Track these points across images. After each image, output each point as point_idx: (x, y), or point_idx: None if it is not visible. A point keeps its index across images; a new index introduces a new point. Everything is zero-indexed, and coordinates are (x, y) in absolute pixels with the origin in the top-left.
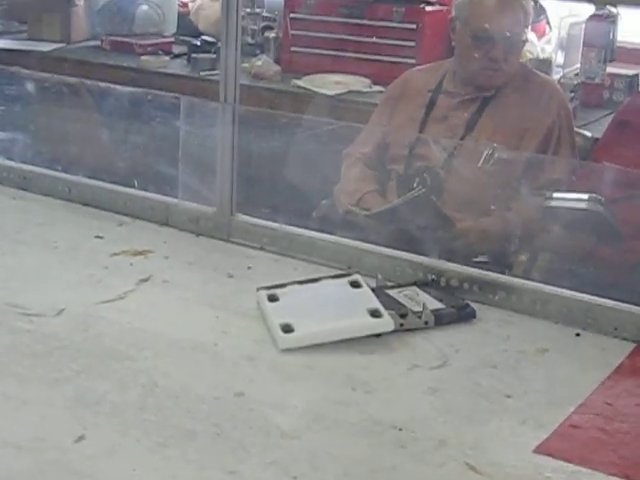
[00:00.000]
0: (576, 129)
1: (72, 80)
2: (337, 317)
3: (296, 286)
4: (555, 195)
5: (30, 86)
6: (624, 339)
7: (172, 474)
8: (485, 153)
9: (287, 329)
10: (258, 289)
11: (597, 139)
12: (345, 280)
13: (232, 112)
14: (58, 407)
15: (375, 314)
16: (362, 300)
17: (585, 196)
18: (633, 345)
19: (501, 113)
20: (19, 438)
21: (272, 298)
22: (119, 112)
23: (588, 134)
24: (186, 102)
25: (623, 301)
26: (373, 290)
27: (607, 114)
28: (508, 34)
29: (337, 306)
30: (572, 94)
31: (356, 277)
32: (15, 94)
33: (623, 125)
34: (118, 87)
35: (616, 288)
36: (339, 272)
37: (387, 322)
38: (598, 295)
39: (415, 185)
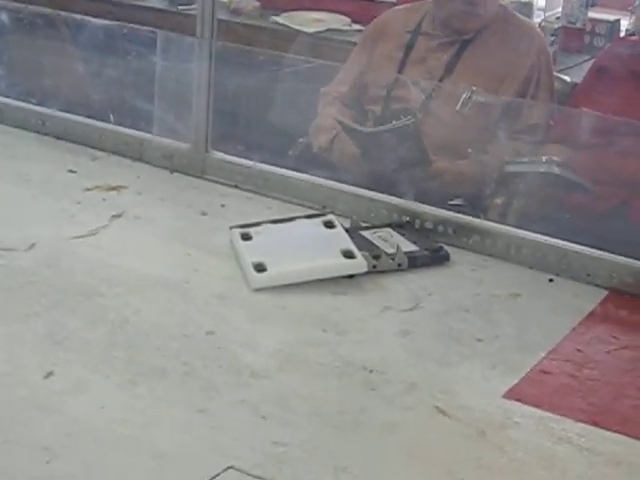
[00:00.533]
0: (556, 74)
1: (47, 11)
2: (310, 257)
3: (270, 225)
4: (513, 160)
5: (4, 17)
6: (597, 286)
7: (141, 411)
8: (463, 96)
9: (260, 268)
10: (231, 227)
11: (576, 84)
12: (319, 220)
13: (209, 48)
14: (27, 343)
15: (348, 255)
16: (336, 240)
17: (542, 159)
18: (605, 292)
19: (480, 56)
20: None
21: (245, 237)
22: (95, 45)
23: (567, 79)
24: (163, 37)
25: (597, 247)
26: (347, 230)
27: (587, 59)
28: None
29: (310, 246)
30: (552, 38)
31: (330, 217)
32: None
33: (602, 71)
34: (94, 20)
35: (590, 234)
36: (313, 212)
37: (360, 263)
38: (572, 241)
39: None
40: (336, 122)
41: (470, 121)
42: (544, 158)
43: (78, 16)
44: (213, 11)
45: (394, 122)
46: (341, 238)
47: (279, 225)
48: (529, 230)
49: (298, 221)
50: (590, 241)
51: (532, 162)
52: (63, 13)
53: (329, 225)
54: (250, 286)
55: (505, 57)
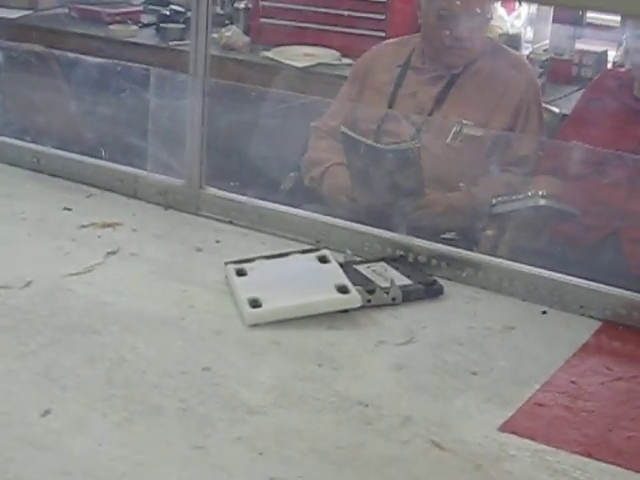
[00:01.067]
0: (544, 105)
1: (40, 49)
2: (305, 292)
3: (264, 261)
4: (498, 201)
5: None
6: (590, 317)
7: (138, 449)
8: (453, 129)
9: (255, 304)
10: (226, 263)
11: (565, 115)
12: (313, 255)
13: (202, 85)
14: (24, 381)
15: (343, 290)
16: (330, 276)
17: (528, 194)
18: (599, 323)
19: (469, 89)
20: None
21: (240, 272)
22: (88, 82)
23: (556, 110)
24: (155, 74)
25: (589, 279)
26: (341, 265)
27: (575, 90)
28: (472, 13)
29: (305, 281)
30: (541, 70)
31: (324, 252)
32: None
33: (592, 102)
34: (87, 57)
35: (582, 265)
36: (308, 247)
37: (354, 298)
38: (564, 273)
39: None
40: (328, 155)
41: (460, 154)
42: (529, 192)
43: (71, 54)
44: (206, 48)
45: (399, 143)
46: (335, 273)
47: (274, 260)
48: (521, 262)
49: (292, 256)
50: (582, 272)
51: (518, 199)
52: (56, 51)
53: (323, 260)
54: (245, 322)
55: (494, 89)
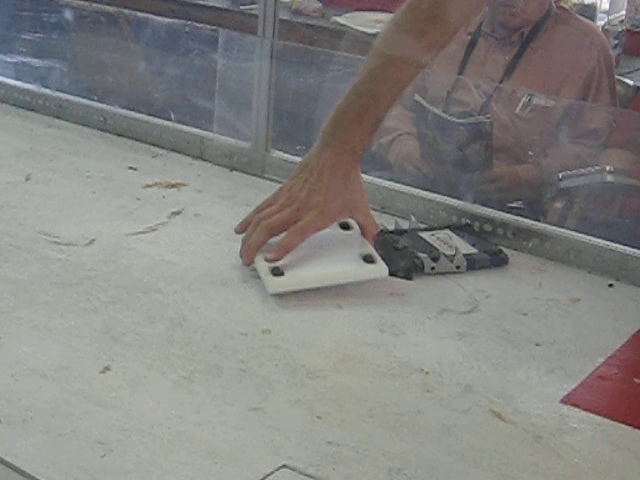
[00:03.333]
0: (618, 77)
1: (110, 9)
2: (329, 261)
3: None
4: (565, 175)
5: (68, 14)
6: None
7: (196, 408)
8: (523, 99)
9: (276, 272)
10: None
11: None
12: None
13: (270, 47)
14: (85, 337)
15: (368, 259)
16: (354, 243)
17: (594, 169)
18: None
19: (540, 58)
20: (44, 367)
21: None
22: (157, 43)
23: (630, 82)
24: (224, 35)
25: None
26: (406, 232)
27: None
28: None
29: (328, 249)
30: (616, 41)
31: (346, 219)
32: (52, 22)
33: None
34: (157, 18)
35: None
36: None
37: (381, 268)
38: (633, 246)
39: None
40: (398, 123)
41: (529, 124)
42: (596, 168)
43: (141, 14)
44: (275, 10)
45: (471, 115)
46: (359, 241)
47: None
48: (589, 234)
49: None
50: None
51: (585, 174)
52: (126, 11)
53: (345, 227)
54: (267, 290)
55: (565, 60)
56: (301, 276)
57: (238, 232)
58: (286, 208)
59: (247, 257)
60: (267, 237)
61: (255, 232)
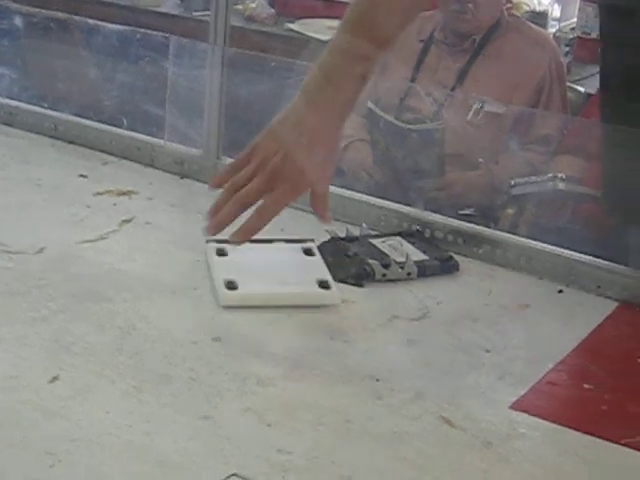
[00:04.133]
0: (569, 84)
1: (61, 16)
2: (284, 282)
3: (247, 244)
4: (517, 182)
5: (18, 20)
6: (607, 297)
7: (146, 418)
8: (474, 106)
9: (230, 286)
10: (207, 241)
11: (590, 95)
12: (299, 246)
13: (221, 54)
14: (34, 347)
15: (323, 285)
16: (313, 269)
17: (546, 176)
18: (615, 304)
19: (491, 65)
20: None
21: (220, 252)
22: (108, 50)
23: (581, 89)
24: (175, 42)
25: (607, 259)
26: (357, 239)
27: None
28: None
29: (286, 271)
30: (567, 48)
31: (310, 245)
32: (2, 28)
33: None
34: (108, 25)
35: (602, 246)
36: (294, 237)
37: (334, 295)
38: (582, 252)
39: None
40: (350, 130)
41: (481, 131)
42: (549, 175)
43: (92, 21)
44: (227, 17)
45: (423, 122)
46: (319, 267)
47: (257, 245)
48: (540, 241)
49: (277, 244)
50: (602, 253)
51: (537, 182)
52: (77, 18)
53: (308, 252)
54: (219, 302)
55: (517, 67)
56: (254, 294)
57: (212, 187)
58: (260, 173)
59: (214, 230)
60: (239, 211)
61: (227, 205)
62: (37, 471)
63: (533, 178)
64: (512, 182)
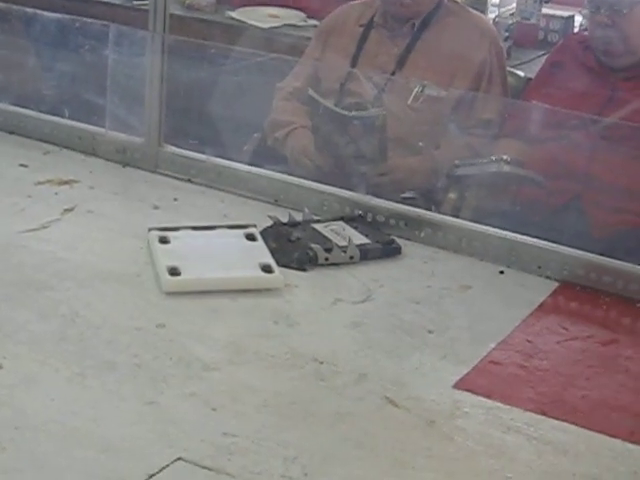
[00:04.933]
0: (509, 69)
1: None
2: (227, 267)
3: (190, 231)
4: (461, 162)
5: None
6: (547, 277)
7: (91, 404)
8: (415, 90)
9: (173, 272)
10: (150, 229)
11: (530, 79)
12: (241, 232)
13: (161, 41)
14: None
15: (266, 269)
16: (256, 254)
17: (491, 158)
18: (556, 284)
19: (431, 51)
20: None
21: (163, 240)
22: (47, 39)
23: (521, 74)
24: (114, 30)
25: (547, 239)
26: (300, 224)
27: (541, 55)
28: None
29: (229, 256)
30: (507, 34)
31: (252, 230)
32: None
33: (556, 66)
34: (46, 13)
35: (544, 228)
36: (237, 223)
37: (277, 279)
38: (523, 233)
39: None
40: (292, 117)
41: (422, 116)
42: (493, 157)
43: (30, 10)
44: (166, 4)
45: (364, 107)
46: (261, 252)
47: (200, 232)
48: (483, 224)
49: (219, 230)
50: (544, 234)
51: (480, 163)
52: (15, 7)
53: (250, 237)
54: (162, 289)
55: (457, 51)
56: (197, 279)
57: None
58: None
59: None
60: None
61: None
62: None
63: (478, 160)
64: (456, 162)
